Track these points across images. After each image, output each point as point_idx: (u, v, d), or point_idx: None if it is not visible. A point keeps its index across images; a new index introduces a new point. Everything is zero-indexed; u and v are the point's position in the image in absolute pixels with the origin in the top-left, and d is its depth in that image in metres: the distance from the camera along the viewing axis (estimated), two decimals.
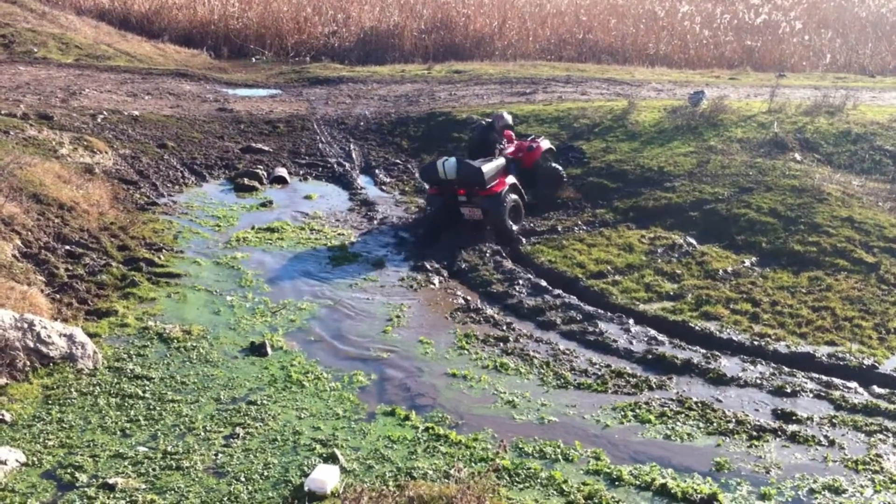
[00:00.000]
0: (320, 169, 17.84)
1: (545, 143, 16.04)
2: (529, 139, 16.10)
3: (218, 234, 13.86)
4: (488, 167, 13.84)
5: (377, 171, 17.79)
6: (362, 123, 20.75)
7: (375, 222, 14.88)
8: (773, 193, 14.71)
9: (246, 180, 16.48)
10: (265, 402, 8.90)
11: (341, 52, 31.15)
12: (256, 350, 9.98)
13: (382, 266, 12.97)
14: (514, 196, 14.23)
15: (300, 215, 15.03)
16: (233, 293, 11.65)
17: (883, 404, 9.36)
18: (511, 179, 14.34)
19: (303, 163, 18.15)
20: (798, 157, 16.45)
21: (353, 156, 18.60)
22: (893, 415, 9.19)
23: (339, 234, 14.14)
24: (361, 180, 17.29)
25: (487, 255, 13.46)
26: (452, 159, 13.91)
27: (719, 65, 29.79)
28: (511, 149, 15.46)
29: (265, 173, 17.06)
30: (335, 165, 17.94)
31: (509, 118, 15.71)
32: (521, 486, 7.74)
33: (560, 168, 16.15)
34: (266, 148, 18.74)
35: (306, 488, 7.38)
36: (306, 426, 8.52)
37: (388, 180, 17.30)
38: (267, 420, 8.56)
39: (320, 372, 9.67)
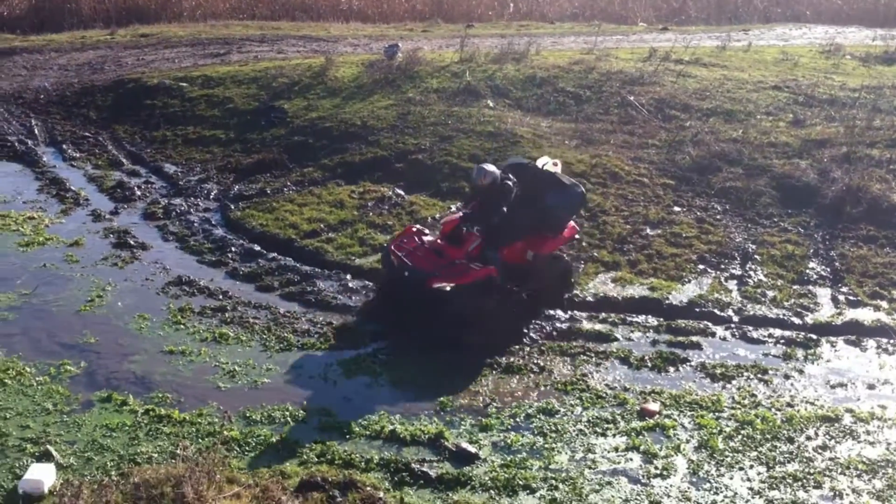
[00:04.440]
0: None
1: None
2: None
3: None
4: None
5: (65, 146, 16.50)
6: (42, 96, 19.16)
7: (69, 201, 13.82)
8: (471, 140, 15.32)
9: None
10: None
11: (11, 21, 28.50)
12: None
13: (82, 245, 12.11)
14: None
15: None
16: None
17: (584, 326, 10.15)
18: None
19: None
20: (491, 103, 17.22)
21: (36, 132, 17.14)
22: (593, 336, 9.98)
23: (28, 218, 13.00)
24: (48, 157, 15.97)
25: (196, 224, 12.99)
26: None
27: (412, 18, 30.46)
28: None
29: None
30: (16, 143, 16.44)
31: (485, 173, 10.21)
32: (253, 454, 7.61)
33: None
34: None
35: (20, 491, 6.83)
36: (13, 426, 7.84)
37: (79, 155, 16.11)
38: None
39: (22, 367, 8.90)
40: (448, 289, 9.51)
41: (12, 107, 18.53)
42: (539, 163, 10.91)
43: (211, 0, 30.17)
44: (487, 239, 10.08)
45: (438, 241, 10.32)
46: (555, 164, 10.88)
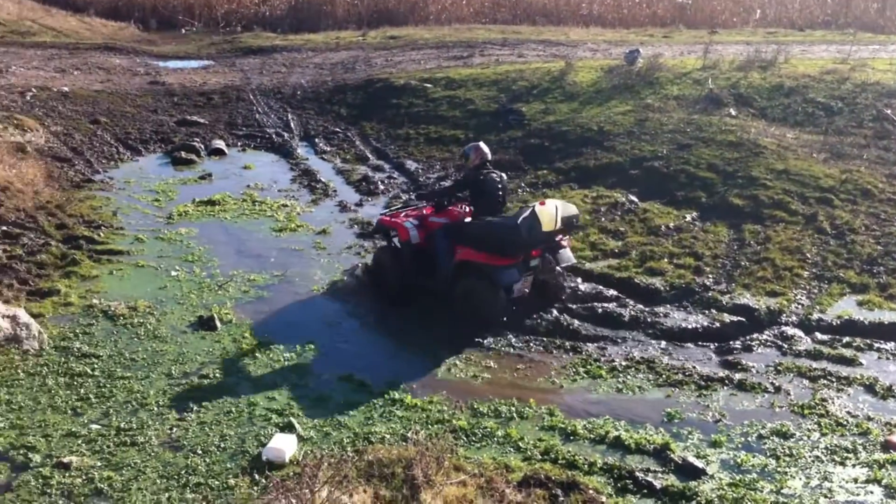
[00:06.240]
0: (259, 140, 17.60)
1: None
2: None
3: (158, 209, 13.62)
4: None
5: (317, 139, 17.61)
6: (299, 92, 20.49)
7: (319, 191, 14.73)
8: (710, 149, 14.91)
9: (183, 153, 16.20)
10: (217, 375, 8.82)
11: (273, 21, 30.66)
12: (205, 324, 9.84)
13: (329, 234, 12.87)
14: None
15: (241, 187, 14.82)
16: (178, 268, 11.46)
17: (826, 350, 9.63)
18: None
19: (240, 134, 17.89)
20: (733, 112, 16.69)
21: (292, 125, 18.38)
22: (836, 359, 9.46)
23: (282, 205, 13.99)
24: (301, 150, 17.11)
25: None
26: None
27: (652, 23, 30.00)
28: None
29: (202, 146, 16.79)
30: (273, 136, 17.71)
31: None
32: (479, 444, 7.81)
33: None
34: (201, 120, 18.42)
35: (264, 458, 7.35)
36: (261, 397, 8.45)
37: (329, 149, 17.14)
38: (221, 393, 8.49)
39: (272, 342, 9.59)
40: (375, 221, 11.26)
41: (271, 101, 19.94)
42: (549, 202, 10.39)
43: (456, 4, 31.07)
44: (449, 225, 10.62)
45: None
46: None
